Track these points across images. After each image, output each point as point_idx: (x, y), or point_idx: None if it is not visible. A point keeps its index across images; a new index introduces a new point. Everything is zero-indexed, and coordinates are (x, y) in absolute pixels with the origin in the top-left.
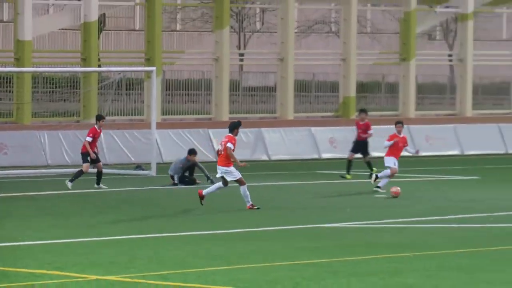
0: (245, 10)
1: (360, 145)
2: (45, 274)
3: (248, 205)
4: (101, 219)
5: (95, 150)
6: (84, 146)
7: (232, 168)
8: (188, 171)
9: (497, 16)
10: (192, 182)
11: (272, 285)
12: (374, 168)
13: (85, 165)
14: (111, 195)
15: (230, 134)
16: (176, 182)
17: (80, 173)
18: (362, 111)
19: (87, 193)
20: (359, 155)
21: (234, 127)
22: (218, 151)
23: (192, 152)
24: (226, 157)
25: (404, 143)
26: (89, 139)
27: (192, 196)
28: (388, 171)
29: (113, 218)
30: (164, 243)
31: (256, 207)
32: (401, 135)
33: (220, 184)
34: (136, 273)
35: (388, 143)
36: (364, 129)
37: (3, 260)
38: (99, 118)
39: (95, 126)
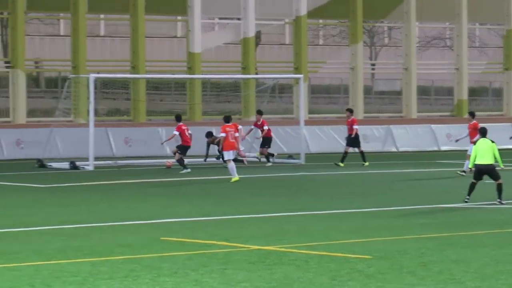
0: (376, 28)
1: (352, 139)
2: (215, 244)
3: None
4: (257, 199)
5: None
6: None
7: None
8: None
9: None
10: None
11: (402, 254)
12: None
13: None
14: (267, 179)
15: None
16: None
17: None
18: (348, 110)
19: (245, 178)
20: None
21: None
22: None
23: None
24: None
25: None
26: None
27: (333, 180)
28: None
29: (267, 198)
30: (308, 219)
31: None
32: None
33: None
34: (288, 244)
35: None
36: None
37: (181, 232)
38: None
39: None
